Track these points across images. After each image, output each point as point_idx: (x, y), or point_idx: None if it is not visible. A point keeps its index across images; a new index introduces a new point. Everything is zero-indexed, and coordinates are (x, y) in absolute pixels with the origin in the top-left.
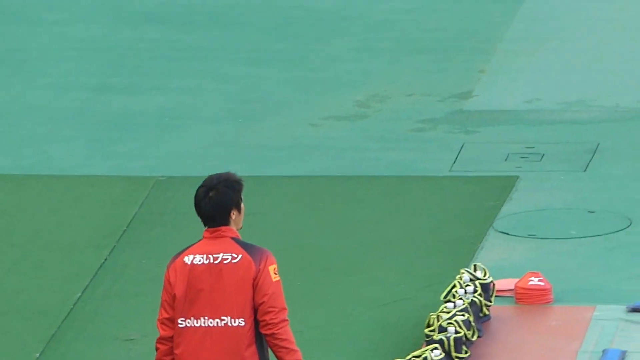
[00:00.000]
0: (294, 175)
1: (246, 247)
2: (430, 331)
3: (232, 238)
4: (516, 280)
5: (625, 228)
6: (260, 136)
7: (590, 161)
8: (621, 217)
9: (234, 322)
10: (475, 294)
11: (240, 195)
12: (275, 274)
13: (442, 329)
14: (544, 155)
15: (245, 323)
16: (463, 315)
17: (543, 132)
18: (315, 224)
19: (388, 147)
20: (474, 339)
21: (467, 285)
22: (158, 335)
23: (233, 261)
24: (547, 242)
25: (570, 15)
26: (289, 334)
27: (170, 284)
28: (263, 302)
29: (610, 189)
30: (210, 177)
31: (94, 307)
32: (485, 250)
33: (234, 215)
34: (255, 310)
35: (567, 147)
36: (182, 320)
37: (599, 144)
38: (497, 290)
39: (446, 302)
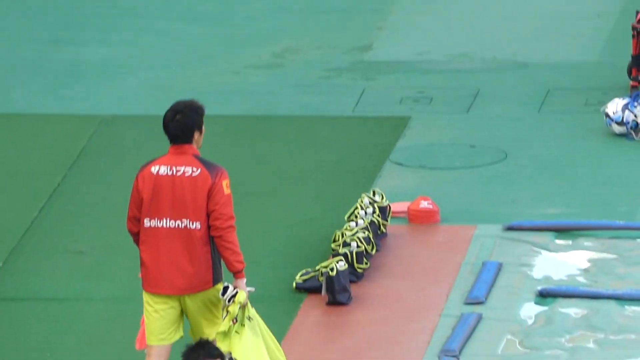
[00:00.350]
0: (220, 115)
1: (204, 163)
2: (336, 246)
3: (193, 155)
4: (409, 203)
5: (501, 160)
6: (191, 82)
7: (472, 104)
8: (498, 151)
9: (192, 225)
10: (374, 215)
11: (202, 119)
12: (227, 187)
13: (346, 244)
14: (432, 98)
15: (201, 227)
16: (364, 232)
17: (432, 79)
18: (238, 156)
19: (300, 92)
20: (373, 252)
21: (367, 207)
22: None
23: (193, 174)
24: (435, 172)
25: None
26: (234, 238)
27: (138, 189)
28: (214, 209)
29: (488, 127)
30: (178, 103)
31: (48, 225)
32: (383, 178)
33: (196, 135)
34: (208, 216)
35: (452, 92)
36: (147, 220)
37: (479, 90)
38: (393, 212)
39: (349, 221)
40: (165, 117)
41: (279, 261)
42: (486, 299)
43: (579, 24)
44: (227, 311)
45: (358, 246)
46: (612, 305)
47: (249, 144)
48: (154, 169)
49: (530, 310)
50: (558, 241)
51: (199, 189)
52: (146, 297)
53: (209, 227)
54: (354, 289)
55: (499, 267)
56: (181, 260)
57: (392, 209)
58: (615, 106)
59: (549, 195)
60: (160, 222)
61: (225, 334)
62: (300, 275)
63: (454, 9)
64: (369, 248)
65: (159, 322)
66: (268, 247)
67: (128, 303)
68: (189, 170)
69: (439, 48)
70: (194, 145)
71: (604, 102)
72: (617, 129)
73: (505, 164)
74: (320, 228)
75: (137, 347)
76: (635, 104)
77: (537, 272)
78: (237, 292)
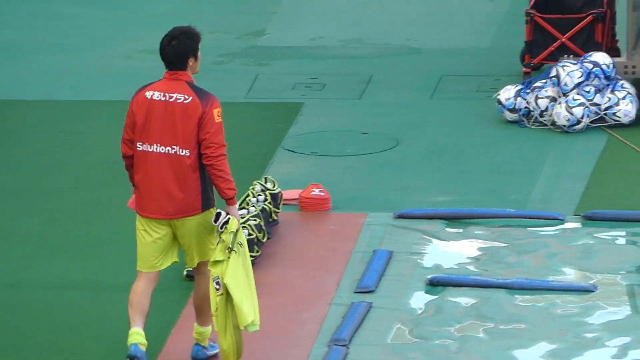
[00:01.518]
0: (112, 100)
1: (197, 91)
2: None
3: (187, 82)
4: (300, 190)
5: (392, 147)
6: (85, 66)
7: (364, 91)
8: (389, 138)
9: (181, 152)
10: (266, 202)
11: (197, 45)
12: (218, 116)
13: None
14: (325, 85)
15: (191, 154)
16: (255, 220)
17: (325, 65)
18: None
19: (194, 77)
20: (265, 240)
21: (259, 194)
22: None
23: (185, 101)
24: (327, 159)
25: None
26: (226, 166)
27: (132, 112)
28: (205, 138)
29: (381, 114)
30: (174, 29)
31: None
32: (275, 165)
33: (191, 62)
34: (199, 144)
35: (344, 79)
36: (140, 145)
37: (372, 76)
38: (284, 199)
39: (241, 208)
40: (161, 43)
41: None
42: (376, 287)
43: (472, 9)
44: (221, 238)
45: (249, 234)
46: (502, 294)
47: None
48: (148, 94)
49: (420, 299)
50: (449, 229)
51: (189, 117)
52: (138, 221)
53: (199, 154)
54: None
55: (390, 256)
56: (171, 186)
57: (283, 197)
58: (507, 93)
59: (440, 183)
60: (150, 147)
61: (218, 261)
62: None
63: None
64: (260, 236)
65: (149, 247)
66: None
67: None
68: (180, 97)
69: (333, 34)
70: (189, 72)
71: (497, 89)
72: (509, 115)
73: (397, 151)
74: None
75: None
76: (528, 90)
77: (428, 261)
78: (229, 219)
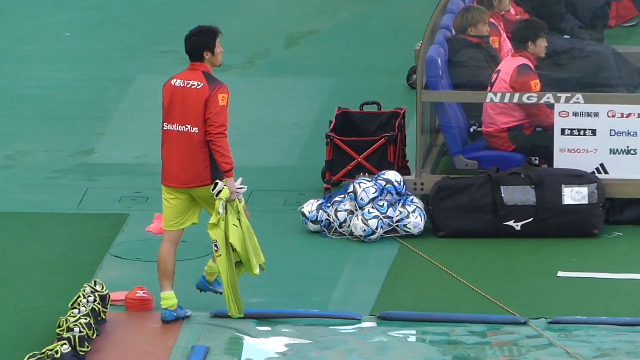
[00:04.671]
0: None
1: (209, 78)
2: (61, 331)
3: (202, 71)
4: (126, 292)
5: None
6: None
7: None
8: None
9: (192, 129)
10: (95, 303)
11: (214, 40)
12: (222, 100)
13: (69, 329)
14: (148, 198)
15: (199, 131)
16: (86, 319)
17: (148, 180)
18: None
19: (30, 191)
20: (94, 337)
21: (89, 296)
22: None
23: (197, 87)
24: (150, 264)
25: None
26: (225, 143)
27: (164, 97)
28: (208, 117)
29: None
30: (196, 27)
31: None
32: (104, 270)
33: (207, 55)
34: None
35: None
36: (165, 124)
37: None
38: (112, 300)
39: (73, 308)
40: (185, 38)
41: (9, 345)
42: None
43: (280, 132)
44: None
45: (80, 331)
46: None
47: None
48: (173, 82)
49: None
50: (259, 327)
51: (199, 99)
52: (163, 189)
53: (206, 132)
54: None
55: (207, 351)
56: (185, 159)
57: (111, 298)
58: (310, 206)
59: (251, 286)
60: (172, 126)
61: (214, 225)
62: (28, 357)
63: None
64: (90, 333)
65: (170, 210)
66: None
67: None
68: (195, 83)
69: (154, 152)
70: (207, 64)
71: (301, 203)
72: (312, 226)
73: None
74: (47, 315)
75: (146, 229)
76: (328, 204)
77: (240, 356)
78: (223, 189)
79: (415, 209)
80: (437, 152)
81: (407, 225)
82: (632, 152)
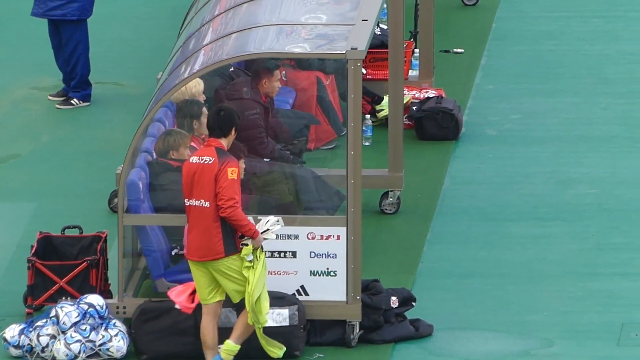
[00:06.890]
0: None
1: (220, 154)
2: None
3: (216, 147)
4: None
5: None
6: None
7: None
8: None
9: (205, 204)
10: None
11: (230, 126)
12: (232, 173)
13: None
14: None
15: (210, 205)
16: None
17: None
18: None
19: None
20: None
21: None
22: None
23: (209, 162)
24: None
25: None
26: (239, 214)
27: (183, 175)
28: (218, 192)
29: None
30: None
31: None
32: None
33: (229, 136)
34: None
35: None
36: (186, 200)
37: None
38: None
39: None
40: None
41: None
42: None
43: None
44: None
45: None
46: None
47: None
48: (192, 159)
49: None
50: None
51: (210, 174)
52: (189, 264)
53: (218, 207)
54: None
55: None
56: (202, 233)
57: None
58: (12, 331)
59: None
60: (190, 202)
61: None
62: None
63: None
64: None
65: (197, 283)
66: None
67: None
68: (207, 159)
69: None
70: (222, 141)
71: (2, 329)
72: (14, 352)
73: None
74: None
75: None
76: (31, 329)
77: None
78: (244, 246)
79: (118, 332)
80: (139, 275)
81: (110, 349)
82: (332, 273)
